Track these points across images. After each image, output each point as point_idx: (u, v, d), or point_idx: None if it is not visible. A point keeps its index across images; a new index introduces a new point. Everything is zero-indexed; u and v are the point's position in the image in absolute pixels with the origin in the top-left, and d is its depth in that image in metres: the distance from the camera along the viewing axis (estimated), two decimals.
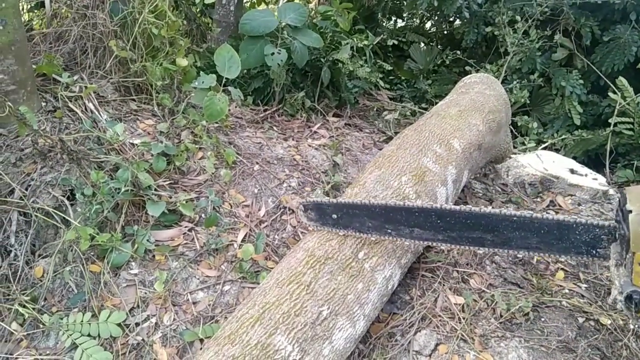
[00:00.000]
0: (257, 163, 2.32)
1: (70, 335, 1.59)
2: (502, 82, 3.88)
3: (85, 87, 2.05)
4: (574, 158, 3.70)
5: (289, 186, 2.28)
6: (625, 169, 3.45)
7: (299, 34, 2.83)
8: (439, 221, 1.48)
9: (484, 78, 2.83)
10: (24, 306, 1.61)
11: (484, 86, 2.71)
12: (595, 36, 3.87)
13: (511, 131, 3.82)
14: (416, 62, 5.11)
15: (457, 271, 2.04)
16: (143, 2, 2.33)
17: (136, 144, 1.97)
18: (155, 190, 1.93)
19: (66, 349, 1.59)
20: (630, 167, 3.43)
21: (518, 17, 3.74)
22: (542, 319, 1.90)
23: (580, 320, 1.95)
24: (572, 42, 3.96)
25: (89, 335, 1.61)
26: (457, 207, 1.45)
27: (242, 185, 2.20)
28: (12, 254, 1.69)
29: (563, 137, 3.51)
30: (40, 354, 1.57)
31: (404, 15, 6.13)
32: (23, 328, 1.61)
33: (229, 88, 2.27)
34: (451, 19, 5.44)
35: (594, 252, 1.25)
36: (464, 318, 1.82)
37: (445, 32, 5.72)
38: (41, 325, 1.61)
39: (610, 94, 3.53)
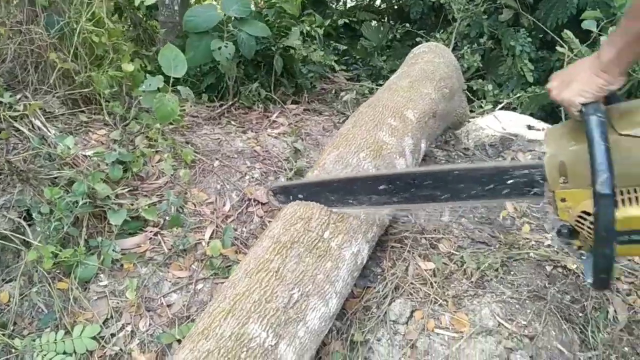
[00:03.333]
0: (217, 159, 2.31)
1: (45, 355, 1.57)
2: (453, 49, 3.93)
3: (29, 104, 2.00)
4: (531, 114, 3.78)
5: (252, 178, 2.28)
6: None
7: (245, 25, 2.81)
8: (390, 185, 1.52)
9: (432, 47, 2.86)
10: None
11: (432, 55, 2.74)
12: None
13: (467, 96, 3.88)
14: (369, 40, 5.12)
15: (425, 238, 2.08)
16: (79, 11, 2.28)
17: (89, 156, 1.94)
18: (115, 199, 1.91)
19: None
20: None
21: None
22: (512, 272, 1.96)
23: (549, 268, 2.02)
24: (516, 2, 4.03)
25: (64, 353, 1.59)
26: (405, 170, 1.49)
27: (204, 183, 2.19)
28: None
29: (518, 95, 3.57)
30: None
31: None
32: None
33: (178, 87, 2.25)
34: None
35: (532, 192, 1.28)
36: (435, 282, 1.86)
37: (396, 7, 5.75)
38: (14, 350, 1.58)
39: (557, 47, 3.60)
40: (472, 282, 1.89)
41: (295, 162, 2.37)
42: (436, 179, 1.43)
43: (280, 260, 1.53)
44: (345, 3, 6.34)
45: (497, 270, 1.94)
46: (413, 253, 1.98)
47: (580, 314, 1.86)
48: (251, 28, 2.80)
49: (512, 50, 3.97)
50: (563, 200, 1.14)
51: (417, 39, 4.10)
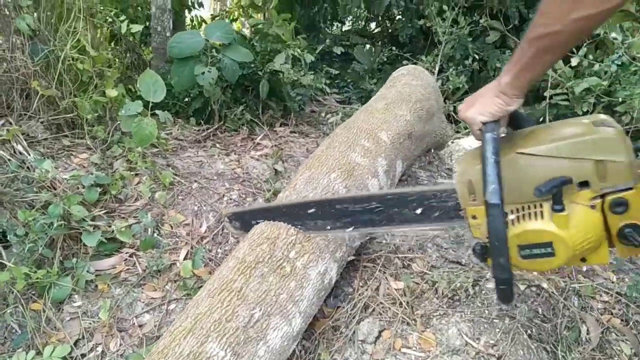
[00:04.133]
0: (196, 181, 2.36)
1: None
2: (440, 71, 4.00)
3: (10, 129, 2.07)
4: None
5: (230, 199, 2.32)
6: None
7: (228, 50, 2.88)
8: (332, 210, 1.56)
9: (411, 70, 2.91)
10: None
11: (410, 77, 2.80)
12: (522, 15, 4.02)
13: (453, 117, 3.94)
14: (361, 64, 5.21)
15: (399, 257, 2.10)
16: (65, 40, 2.36)
17: (67, 179, 1.99)
18: (91, 221, 1.95)
19: None
20: None
21: (445, 7, 3.86)
22: (483, 292, 1.97)
23: (522, 287, 2.02)
24: (501, 24, 4.10)
25: None
26: (343, 195, 1.53)
27: (182, 205, 2.24)
28: None
29: None
30: None
31: (349, 19, 6.27)
32: None
33: (157, 112, 2.31)
34: (393, 17, 5.57)
35: (459, 214, 1.31)
36: (405, 302, 1.87)
37: (390, 31, 5.86)
38: None
39: None
40: (442, 301, 1.91)
41: (274, 183, 2.41)
42: (371, 203, 1.47)
43: (244, 280, 1.56)
44: (340, 26, 6.47)
45: (467, 289, 1.95)
46: (385, 272, 2.01)
47: (552, 334, 1.86)
48: (234, 53, 2.88)
49: (499, 71, 4.02)
50: (474, 217, 1.17)
51: (404, 62, 4.16)
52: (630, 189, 1.01)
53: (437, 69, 3.93)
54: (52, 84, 2.32)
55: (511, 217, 1.11)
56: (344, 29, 6.45)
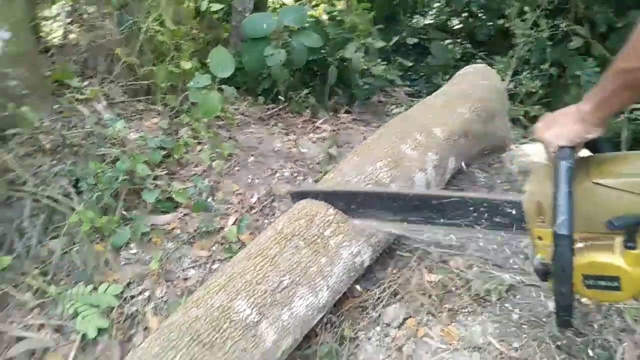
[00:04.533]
0: (253, 155, 2.49)
1: (73, 304, 1.80)
2: (514, 74, 3.90)
3: (93, 90, 2.29)
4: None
5: (282, 175, 2.44)
6: None
7: (299, 35, 2.99)
8: (393, 203, 1.61)
9: (479, 68, 2.89)
10: (36, 279, 1.84)
11: (476, 76, 2.78)
12: (610, 23, 3.82)
13: (522, 122, 3.84)
14: (436, 58, 5.16)
15: (437, 252, 2.13)
16: (149, 13, 2.56)
17: (135, 139, 2.19)
18: (153, 179, 2.14)
19: (70, 316, 1.81)
20: None
21: (527, 8, 3.75)
22: (517, 297, 1.96)
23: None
24: (586, 31, 3.92)
25: (90, 305, 1.82)
26: (406, 191, 1.58)
27: (237, 176, 2.38)
28: (26, 235, 1.94)
29: None
30: (48, 320, 1.80)
31: (430, 13, 6.21)
32: (34, 297, 1.84)
33: (223, 86, 2.46)
34: (474, 15, 5.46)
35: (522, 226, 1.33)
36: (435, 294, 1.91)
37: (469, 28, 5.75)
38: (49, 296, 1.83)
39: None
40: (474, 299, 1.92)
41: (325, 167, 2.50)
42: (432, 202, 1.52)
43: (278, 249, 1.67)
44: (420, 21, 6.41)
45: (501, 293, 1.95)
46: (420, 264, 2.04)
47: (584, 349, 1.83)
48: (305, 38, 2.98)
49: (578, 79, 3.87)
50: (540, 238, 1.18)
51: (478, 61, 4.10)
52: None
53: (511, 70, 3.83)
54: (134, 52, 2.53)
55: (579, 245, 1.11)
56: (425, 23, 6.39)
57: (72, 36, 2.64)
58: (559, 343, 1.76)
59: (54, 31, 3.07)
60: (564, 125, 1.09)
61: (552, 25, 3.76)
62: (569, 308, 1.08)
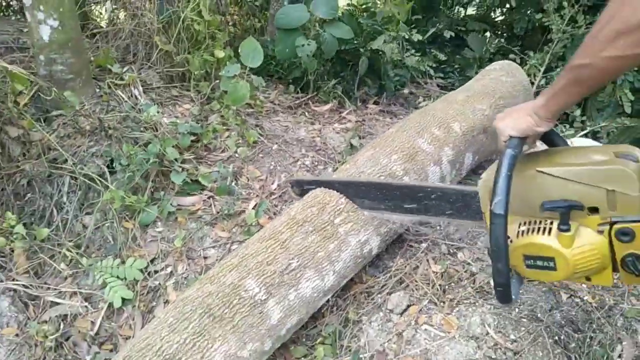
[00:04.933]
0: (277, 143, 2.61)
1: (103, 275, 1.97)
2: (547, 70, 3.85)
3: (131, 75, 2.45)
4: None
5: (303, 164, 2.54)
6: None
7: (330, 26, 3.07)
8: (378, 193, 1.72)
9: (505, 65, 2.89)
10: (70, 250, 2.02)
11: (502, 73, 2.79)
12: None
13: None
14: (473, 51, 5.11)
15: (446, 244, 2.20)
16: (187, 3, 2.69)
17: (167, 123, 2.33)
18: (182, 163, 2.28)
19: (99, 286, 1.98)
20: None
21: (565, 4, 3.69)
22: (521, 292, 2.02)
23: (564, 297, 2.03)
24: None
25: (117, 277, 1.99)
26: (392, 181, 1.69)
27: (260, 162, 2.50)
28: (63, 210, 2.12)
29: (604, 124, 3.44)
30: (79, 289, 1.98)
31: (472, 3, 6.11)
32: (68, 267, 2.02)
33: (252, 76, 2.57)
34: (512, 7, 5.36)
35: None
36: (439, 284, 1.99)
37: (509, 21, 5.64)
38: (81, 266, 2.01)
39: None
40: (477, 291, 1.99)
41: (346, 156, 2.59)
42: (413, 193, 1.64)
43: (290, 233, 1.78)
44: (463, 10, 6.32)
45: None
46: (427, 254, 2.12)
47: (581, 345, 1.87)
48: (335, 29, 3.06)
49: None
50: None
51: (510, 55, 4.06)
52: (638, 220, 1.05)
53: (544, 67, 3.79)
54: (171, 40, 2.67)
55: (522, 228, 1.20)
56: (465, 14, 6.30)
57: (116, 22, 2.80)
58: (556, 338, 1.81)
59: (103, 16, 3.26)
60: (517, 118, 1.17)
61: (590, 22, 3.68)
62: (505, 284, 1.15)
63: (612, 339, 1.89)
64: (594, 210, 1.09)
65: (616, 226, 1.08)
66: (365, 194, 1.83)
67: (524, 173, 1.15)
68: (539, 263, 1.16)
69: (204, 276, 1.69)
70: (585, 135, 3.51)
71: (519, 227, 1.20)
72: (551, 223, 1.15)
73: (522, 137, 1.16)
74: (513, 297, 1.20)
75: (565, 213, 1.09)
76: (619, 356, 1.86)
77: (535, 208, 1.15)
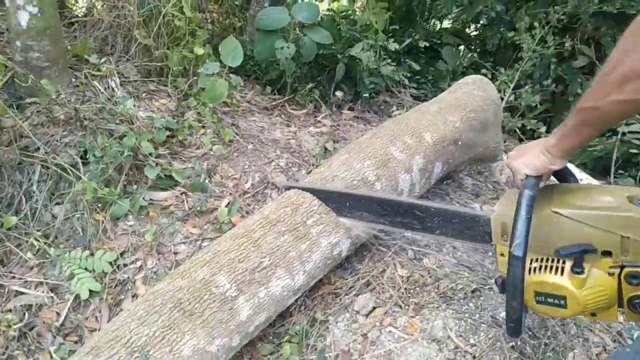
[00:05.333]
0: (252, 143, 2.63)
1: (70, 267, 1.95)
2: (516, 87, 4.00)
3: (108, 67, 2.43)
4: (584, 165, 3.78)
5: (277, 165, 2.57)
6: (628, 177, 3.49)
7: (310, 30, 3.11)
8: (378, 207, 1.75)
9: (477, 79, 2.99)
10: (38, 240, 2.00)
11: (474, 87, 2.88)
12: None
13: (518, 134, 3.95)
14: (447, 64, 5.25)
15: (413, 250, 2.26)
16: None
17: (143, 117, 2.33)
18: (156, 157, 2.28)
19: (66, 277, 1.96)
20: (633, 177, 3.48)
21: (536, 24, 3.84)
22: (481, 298, 2.10)
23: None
24: (592, 51, 4.01)
25: (85, 268, 1.97)
26: (392, 196, 1.73)
27: (235, 161, 2.52)
28: (33, 199, 2.09)
29: None
30: (45, 279, 1.96)
31: (448, 17, 6.27)
32: (35, 257, 2.00)
33: (230, 75, 2.59)
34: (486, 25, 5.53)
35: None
36: (404, 288, 2.05)
37: (482, 38, 5.82)
38: (49, 257, 1.99)
39: None
40: (440, 296, 2.06)
41: (320, 160, 2.64)
42: (416, 210, 1.67)
43: (262, 232, 1.81)
44: (440, 23, 6.47)
45: (467, 292, 2.08)
46: (394, 259, 2.18)
47: (536, 351, 1.96)
48: (315, 34, 3.11)
49: (578, 97, 3.95)
50: (502, 255, 1.31)
51: (482, 70, 4.19)
52: None
53: (513, 83, 3.93)
54: (151, 34, 2.66)
55: (534, 265, 1.24)
56: (442, 27, 6.45)
57: (94, 12, 2.78)
58: (512, 344, 1.89)
59: (79, 5, 3.22)
60: (531, 156, 1.22)
61: (559, 43, 3.85)
62: (517, 320, 1.20)
63: (565, 346, 1.99)
64: (606, 253, 1.14)
65: (626, 269, 1.13)
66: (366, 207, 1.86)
67: (540, 213, 1.19)
68: (550, 300, 1.21)
69: (175, 271, 1.71)
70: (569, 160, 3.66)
71: (531, 263, 1.24)
72: (563, 262, 1.19)
73: (537, 175, 1.20)
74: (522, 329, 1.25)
75: (579, 257, 1.14)
76: None
77: (549, 248, 1.20)
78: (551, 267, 1.20)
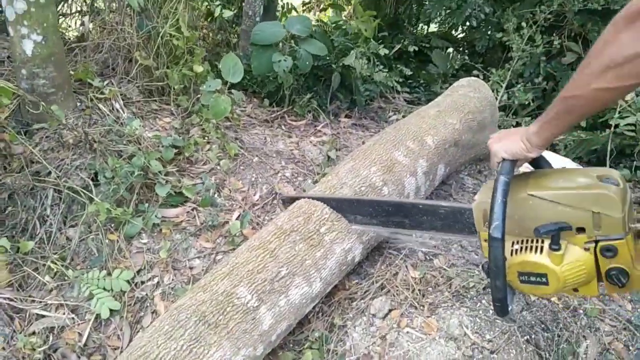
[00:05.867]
0: (257, 156, 2.67)
1: (89, 287, 1.99)
2: (509, 86, 4.08)
3: (111, 89, 2.48)
4: (579, 158, 3.85)
5: (284, 176, 2.62)
6: (624, 168, 3.56)
7: (305, 43, 3.17)
8: (370, 209, 1.81)
9: (471, 82, 3.06)
10: (55, 263, 2.03)
11: (469, 89, 2.95)
12: None
13: None
14: (437, 67, 5.33)
15: (422, 251, 2.31)
16: (166, 19, 2.74)
17: (150, 137, 2.37)
18: (165, 175, 2.32)
19: (85, 298, 1.99)
20: (629, 168, 3.55)
21: (524, 24, 3.92)
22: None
23: (533, 297, 2.18)
24: (579, 47, 4.10)
25: (104, 288, 2.00)
26: (383, 198, 1.78)
27: (242, 174, 2.56)
28: (47, 222, 2.12)
29: (562, 137, 3.66)
30: (65, 301, 1.99)
31: (435, 21, 6.36)
32: (53, 280, 2.02)
33: (233, 91, 2.64)
34: (474, 27, 5.62)
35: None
36: (418, 289, 2.09)
37: (469, 40, 5.91)
38: (67, 279, 2.02)
39: None
40: (452, 295, 2.11)
41: (324, 168, 2.68)
42: (406, 209, 1.72)
43: (278, 243, 1.85)
44: (427, 27, 6.57)
45: (479, 290, 2.13)
46: (406, 261, 2.23)
47: (550, 343, 2.01)
48: (310, 46, 3.16)
49: None
50: (485, 240, 1.35)
51: (474, 72, 4.27)
52: (621, 238, 1.17)
53: (505, 83, 4.01)
54: (150, 55, 2.71)
55: (515, 247, 1.30)
56: (429, 31, 6.55)
57: (91, 37, 2.82)
58: (527, 337, 1.94)
59: (72, 29, 3.27)
60: (510, 142, 1.27)
61: (547, 41, 3.93)
62: (503, 299, 1.26)
63: (577, 337, 2.04)
64: (580, 230, 1.20)
65: (601, 243, 1.19)
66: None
67: (517, 196, 1.25)
68: (532, 279, 1.27)
69: (196, 285, 1.74)
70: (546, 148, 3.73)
71: (512, 245, 1.30)
72: (542, 242, 1.26)
73: (513, 160, 1.26)
74: (509, 308, 1.30)
75: (556, 235, 1.20)
76: (585, 352, 2.01)
77: (528, 229, 1.26)
78: (531, 248, 1.27)
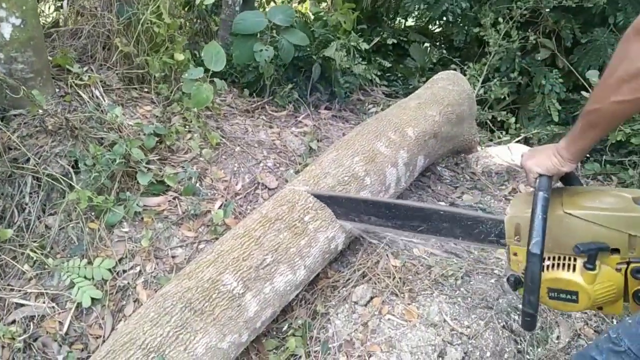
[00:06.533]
0: (239, 145, 2.67)
1: (70, 276, 1.96)
2: (485, 81, 4.16)
3: (92, 76, 2.44)
4: None
5: (265, 165, 2.63)
6: (594, 162, 3.68)
7: (286, 33, 3.17)
8: (387, 211, 1.83)
9: (450, 75, 3.12)
10: (34, 251, 2.00)
11: (448, 82, 3.00)
12: (576, 38, 4.11)
13: (490, 126, 4.11)
14: (415, 60, 5.39)
15: (402, 240, 2.35)
16: (147, 4, 2.71)
17: (131, 125, 2.34)
18: (147, 164, 2.30)
19: (66, 286, 1.97)
20: (599, 162, 3.67)
21: (500, 19, 4.00)
22: (471, 282, 2.20)
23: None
24: (553, 43, 4.20)
25: (84, 277, 1.98)
26: (401, 201, 1.82)
27: (224, 164, 2.56)
28: (26, 210, 2.08)
29: (535, 131, 3.76)
30: (45, 290, 1.96)
31: (412, 15, 6.42)
32: (32, 269, 1.99)
33: (215, 79, 2.63)
34: (451, 21, 5.70)
35: (500, 242, 1.56)
36: (399, 277, 2.13)
37: (447, 34, 5.99)
38: (47, 267, 1.99)
39: (583, 92, 3.77)
40: (432, 282, 2.16)
41: (306, 159, 2.70)
42: (425, 214, 1.74)
43: (263, 231, 1.86)
44: (404, 21, 6.62)
45: (457, 278, 2.19)
46: (387, 250, 2.27)
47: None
48: (292, 36, 3.17)
49: (543, 88, 4.15)
50: (515, 254, 1.38)
51: (452, 66, 4.34)
52: None
53: (482, 77, 4.09)
54: (131, 42, 2.67)
55: (547, 262, 1.32)
56: (406, 25, 6.60)
57: (69, 22, 2.77)
58: (503, 323, 2.01)
59: (47, 13, 3.19)
60: (543, 158, 1.31)
61: (523, 37, 4.02)
62: (533, 314, 1.27)
63: (550, 323, 2.12)
64: (615, 251, 1.23)
65: (633, 265, 1.22)
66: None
67: (553, 213, 1.27)
68: (562, 296, 1.29)
69: (181, 272, 1.75)
70: (519, 141, 3.83)
71: (544, 261, 1.30)
72: (574, 260, 1.28)
73: (549, 175, 1.28)
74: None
75: (594, 254, 1.23)
76: (557, 337, 2.09)
77: (562, 245, 1.28)
78: (564, 265, 1.29)
